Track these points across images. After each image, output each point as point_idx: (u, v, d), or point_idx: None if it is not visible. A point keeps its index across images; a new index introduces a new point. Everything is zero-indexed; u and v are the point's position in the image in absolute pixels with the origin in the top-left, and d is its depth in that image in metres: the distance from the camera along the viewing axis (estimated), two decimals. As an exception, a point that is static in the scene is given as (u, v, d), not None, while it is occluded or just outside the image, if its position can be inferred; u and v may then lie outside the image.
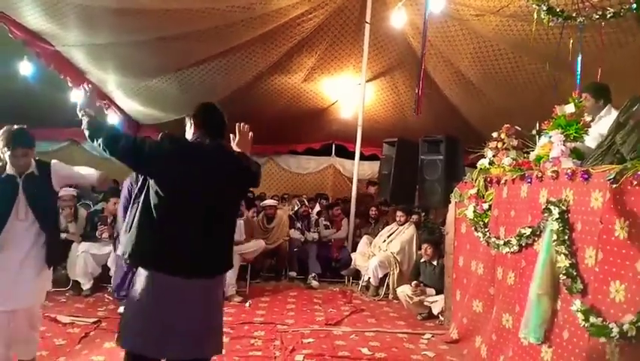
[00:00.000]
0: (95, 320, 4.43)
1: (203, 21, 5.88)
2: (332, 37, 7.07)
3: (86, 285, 5.35)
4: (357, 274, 6.43)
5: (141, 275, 2.23)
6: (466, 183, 4.45)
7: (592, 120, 3.45)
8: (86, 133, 2.33)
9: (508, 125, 4.02)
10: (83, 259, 5.32)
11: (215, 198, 2.29)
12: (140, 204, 2.26)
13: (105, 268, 5.48)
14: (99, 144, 2.25)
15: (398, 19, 5.88)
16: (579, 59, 4.42)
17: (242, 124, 2.58)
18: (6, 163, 2.92)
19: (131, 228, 2.26)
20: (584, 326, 2.41)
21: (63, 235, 5.59)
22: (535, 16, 4.38)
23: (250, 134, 2.59)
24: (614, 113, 3.30)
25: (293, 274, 6.62)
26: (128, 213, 2.57)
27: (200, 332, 2.27)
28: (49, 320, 4.36)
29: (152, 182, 2.24)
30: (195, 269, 2.22)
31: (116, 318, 4.49)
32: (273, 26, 6.41)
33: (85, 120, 2.37)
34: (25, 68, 6.50)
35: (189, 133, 2.47)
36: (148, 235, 2.20)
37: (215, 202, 2.29)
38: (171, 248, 2.19)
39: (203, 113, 2.45)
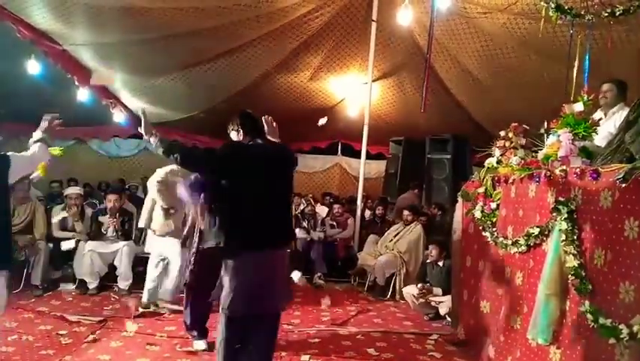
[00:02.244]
0: (101, 319, 4.43)
1: (209, 19, 5.88)
2: (338, 35, 7.05)
3: (93, 284, 5.35)
4: (363, 274, 6.41)
5: (231, 260, 2.75)
6: (473, 182, 4.41)
7: (601, 118, 3.42)
8: (159, 151, 2.70)
9: (516, 123, 3.99)
10: (89, 257, 5.33)
11: (276, 184, 2.85)
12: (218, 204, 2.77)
13: (111, 267, 5.50)
14: (175, 158, 2.67)
15: (405, 17, 5.84)
16: (587, 56, 4.38)
17: (267, 117, 3.14)
18: None
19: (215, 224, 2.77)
20: (593, 326, 2.38)
21: (70, 234, 5.64)
22: (544, 13, 4.35)
23: (274, 123, 3.15)
24: (626, 111, 3.27)
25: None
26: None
27: (282, 288, 2.94)
28: (56, 319, 4.38)
29: (224, 183, 2.72)
30: (273, 243, 2.81)
31: (122, 317, 4.53)
32: (280, 25, 6.40)
33: (154, 140, 2.73)
34: (33, 67, 6.52)
35: (238, 137, 2.98)
36: (236, 225, 2.71)
37: (276, 188, 2.86)
38: (255, 231, 2.73)
39: (248, 121, 3.00)
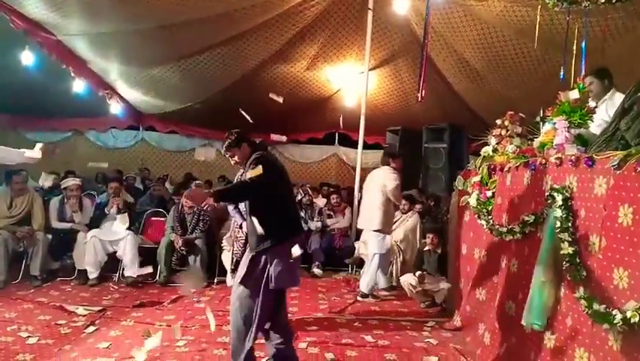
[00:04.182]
0: (101, 308, 4.46)
1: (204, 9, 5.84)
2: (334, 24, 7.00)
3: (93, 274, 5.36)
4: (360, 263, 6.43)
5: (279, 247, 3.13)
6: (469, 170, 4.43)
7: (596, 106, 3.42)
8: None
9: (512, 112, 3.99)
10: (92, 244, 5.36)
11: (289, 184, 3.40)
12: (261, 206, 3.09)
13: (110, 257, 5.52)
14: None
15: (401, 6, 5.81)
16: (584, 43, 4.37)
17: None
18: None
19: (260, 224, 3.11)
20: (587, 312, 2.40)
21: (68, 225, 5.64)
22: (540, 0, 4.34)
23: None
24: (618, 97, 3.27)
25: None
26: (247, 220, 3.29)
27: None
28: (55, 309, 4.40)
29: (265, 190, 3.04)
30: (300, 230, 3.36)
31: (122, 307, 4.56)
32: (275, 14, 6.36)
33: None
34: (27, 58, 6.47)
35: (246, 150, 3.25)
36: (281, 222, 3.13)
37: (290, 187, 3.44)
38: (294, 222, 3.29)
39: (243, 136, 3.30)
